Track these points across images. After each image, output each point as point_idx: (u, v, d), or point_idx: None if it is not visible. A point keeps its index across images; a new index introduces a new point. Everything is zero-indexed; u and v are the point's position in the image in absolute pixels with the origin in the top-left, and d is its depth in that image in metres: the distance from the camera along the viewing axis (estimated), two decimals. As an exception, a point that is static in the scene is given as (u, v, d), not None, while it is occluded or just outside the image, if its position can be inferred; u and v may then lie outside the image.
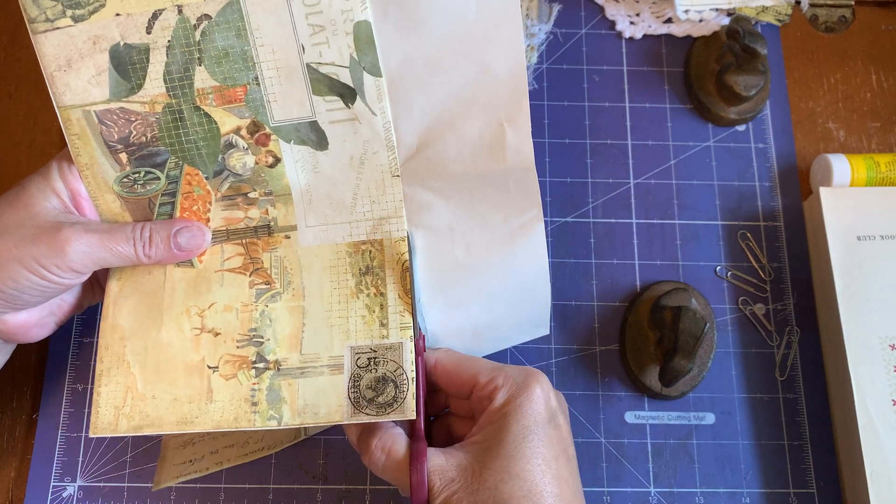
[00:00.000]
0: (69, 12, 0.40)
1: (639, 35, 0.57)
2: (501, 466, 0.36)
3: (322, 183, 0.42)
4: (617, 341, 0.51)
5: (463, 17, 0.40)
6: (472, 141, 0.42)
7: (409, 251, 0.42)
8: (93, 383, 0.49)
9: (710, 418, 0.49)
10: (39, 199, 0.40)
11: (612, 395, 0.50)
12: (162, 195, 0.42)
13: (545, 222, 0.53)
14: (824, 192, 0.50)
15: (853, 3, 0.59)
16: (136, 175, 0.42)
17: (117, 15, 0.40)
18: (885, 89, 0.57)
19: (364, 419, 0.38)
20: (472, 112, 0.41)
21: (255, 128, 0.42)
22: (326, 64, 0.41)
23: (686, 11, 0.57)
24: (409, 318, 0.40)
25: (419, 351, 0.40)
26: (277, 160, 0.42)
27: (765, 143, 0.55)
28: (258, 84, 0.41)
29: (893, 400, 0.46)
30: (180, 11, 0.40)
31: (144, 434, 0.40)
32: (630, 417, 0.49)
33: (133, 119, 0.41)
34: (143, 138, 0.42)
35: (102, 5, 0.39)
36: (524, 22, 0.56)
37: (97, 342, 0.42)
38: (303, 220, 0.43)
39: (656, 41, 0.58)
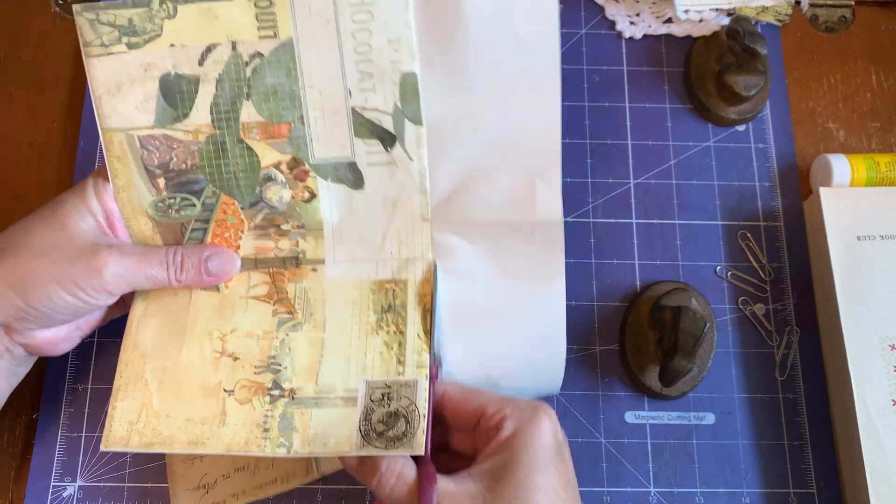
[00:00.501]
0: (125, 39, 0.41)
1: (639, 35, 0.57)
2: (513, 495, 0.35)
3: (354, 221, 0.43)
4: (617, 341, 0.51)
5: (505, 76, 0.42)
6: (503, 192, 0.42)
7: (434, 282, 0.43)
8: (90, 385, 0.49)
9: (710, 418, 0.49)
10: (75, 218, 0.41)
11: (612, 395, 0.50)
12: (195, 221, 0.43)
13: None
14: (824, 192, 0.50)
15: (853, 3, 0.59)
16: (172, 200, 0.43)
17: (171, 45, 0.41)
18: (885, 89, 0.57)
19: (372, 452, 0.37)
20: (506, 165, 0.42)
21: (294, 164, 0.43)
22: (371, 109, 0.42)
23: (686, 11, 0.57)
24: (426, 357, 0.40)
25: (432, 377, 0.40)
26: (313, 196, 0.43)
27: (765, 143, 0.55)
28: (303, 123, 0.42)
29: (893, 400, 0.46)
30: (234, 48, 0.41)
31: (155, 451, 0.40)
32: (630, 417, 0.49)
33: (175, 146, 0.42)
34: (184, 165, 0.42)
35: (158, 35, 0.41)
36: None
37: (118, 358, 0.42)
38: (331, 255, 0.43)
39: (656, 41, 0.58)
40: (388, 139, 0.42)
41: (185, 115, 0.42)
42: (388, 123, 0.42)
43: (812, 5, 0.59)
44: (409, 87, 0.42)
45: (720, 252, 0.53)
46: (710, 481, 0.48)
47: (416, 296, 0.42)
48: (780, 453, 0.49)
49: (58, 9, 0.58)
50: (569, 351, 0.50)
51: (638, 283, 0.52)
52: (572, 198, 0.54)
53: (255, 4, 0.40)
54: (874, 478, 0.44)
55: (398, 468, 0.37)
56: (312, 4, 0.40)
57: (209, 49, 0.41)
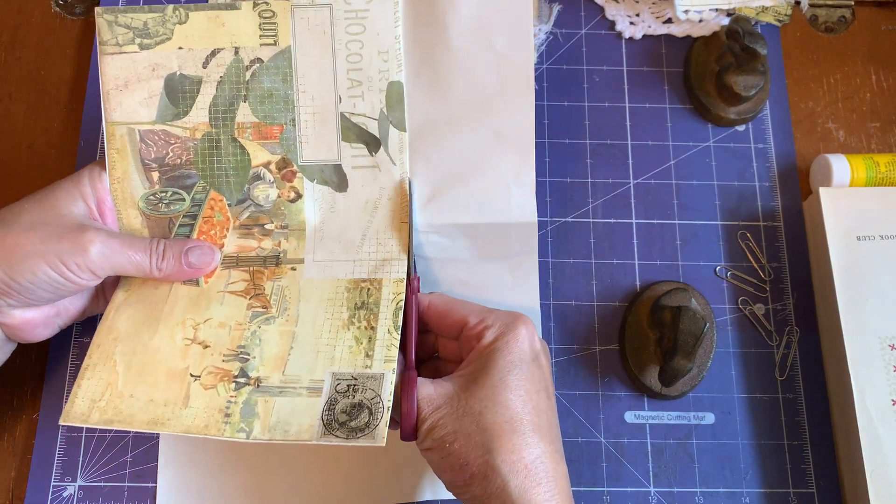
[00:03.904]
0: (138, 40, 0.44)
1: (639, 35, 0.57)
2: (486, 395, 0.38)
3: (335, 222, 0.46)
4: (617, 341, 0.51)
5: (484, 87, 0.45)
6: (479, 195, 0.45)
7: (409, 193, 0.45)
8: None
9: (709, 418, 0.49)
10: (67, 201, 0.42)
11: (612, 394, 0.50)
12: (183, 217, 0.45)
13: (545, 222, 0.53)
14: (824, 192, 0.50)
15: (853, 3, 0.59)
16: (164, 194, 0.45)
17: (179, 48, 0.44)
18: (885, 89, 0.57)
19: (333, 441, 0.38)
20: (483, 171, 0.45)
21: (283, 164, 0.45)
22: (358, 115, 0.45)
23: (686, 12, 0.57)
24: (394, 353, 0.41)
25: (413, 290, 0.43)
26: (299, 196, 0.46)
27: (764, 143, 0.55)
28: (294, 125, 0.45)
29: (893, 400, 0.46)
30: (237, 52, 0.45)
31: (114, 429, 0.40)
32: (630, 417, 0.49)
33: (173, 142, 0.45)
34: (178, 160, 0.45)
35: (168, 38, 0.44)
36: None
37: (92, 340, 0.42)
38: (311, 255, 0.45)
39: (656, 41, 0.58)
40: (373, 143, 0.45)
41: (185, 113, 0.45)
42: (373, 128, 0.45)
43: (812, 5, 0.59)
44: (394, 95, 0.45)
45: (720, 252, 0.53)
46: (709, 481, 0.48)
47: (391, 293, 0.43)
48: (780, 453, 0.49)
49: (58, 9, 0.58)
50: (569, 351, 0.51)
51: (638, 283, 0.52)
52: (572, 198, 0.54)
53: (259, 14, 0.44)
54: (874, 477, 0.44)
55: None
56: (311, 17, 0.44)
57: (213, 53, 0.44)
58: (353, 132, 0.45)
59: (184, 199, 0.45)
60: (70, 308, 0.44)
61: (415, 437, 0.39)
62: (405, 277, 0.43)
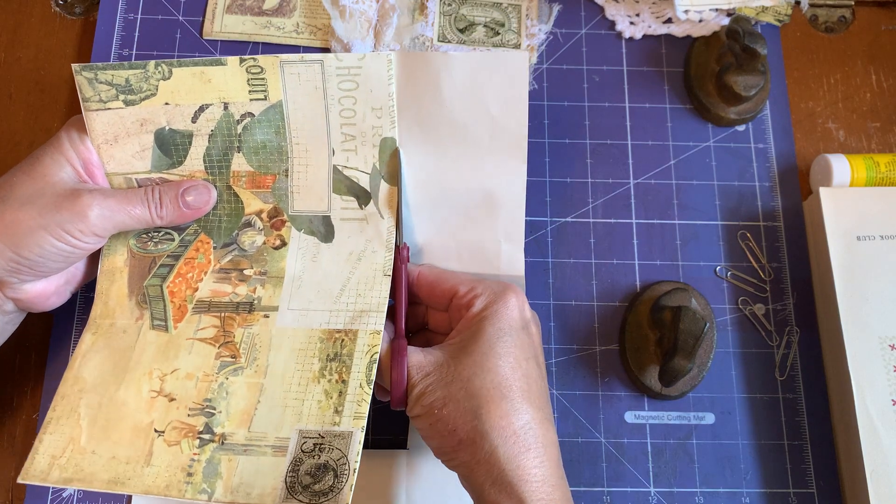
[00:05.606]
0: (122, 97, 0.44)
1: (639, 35, 0.57)
2: (475, 362, 0.38)
3: (316, 271, 0.45)
4: (617, 341, 0.51)
5: (477, 147, 0.45)
6: (469, 249, 0.46)
7: (399, 160, 0.45)
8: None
9: (709, 418, 0.49)
10: (55, 169, 0.42)
11: (612, 395, 0.50)
12: (166, 256, 0.45)
13: (545, 222, 0.53)
14: (824, 192, 0.50)
15: (853, 3, 0.59)
16: (155, 233, 0.46)
17: (166, 104, 0.44)
18: (885, 89, 0.57)
19: None
20: (473, 227, 0.46)
21: (275, 213, 0.46)
22: (351, 168, 0.45)
23: (686, 12, 0.57)
24: (365, 409, 0.39)
25: (403, 260, 0.43)
26: (283, 244, 0.45)
27: (765, 143, 0.55)
28: (286, 175, 0.45)
29: (893, 400, 0.46)
30: (226, 108, 0.44)
31: (73, 487, 0.40)
32: (630, 417, 0.49)
33: None
34: None
35: (153, 94, 0.44)
36: (525, 24, 0.57)
37: (56, 390, 0.42)
38: (286, 303, 0.44)
39: (656, 41, 0.58)
40: (363, 197, 0.45)
41: (180, 163, 0.45)
42: (364, 182, 0.45)
43: (812, 5, 0.59)
44: (387, 151, 0.45)
45: (720, 252, 0.53)
46: (709, 481, 0.48)
47: (366, 345, 0.41)
48: (780, 453, 0.49)
49: (58, 9, 0.58)
50: (569, 351, 0.51)
51: (638, 283, 0.52)
52: (572, 198, 0.54)
53: (246, 70, 0.43)
54: (874, 478, 0.44)
55: None
56: (302, 73, 0.43)
57: (202, 108, 0.44)
58: (344, 185, 0.45)
59: (172, 240, 0.45)
60: (77, 274, 0.45)
61: (405, 404, 0.39)
62: (381, 330, 0.42)
